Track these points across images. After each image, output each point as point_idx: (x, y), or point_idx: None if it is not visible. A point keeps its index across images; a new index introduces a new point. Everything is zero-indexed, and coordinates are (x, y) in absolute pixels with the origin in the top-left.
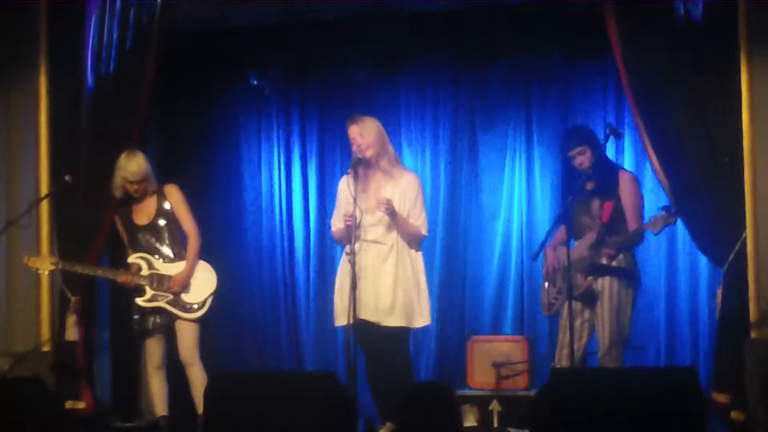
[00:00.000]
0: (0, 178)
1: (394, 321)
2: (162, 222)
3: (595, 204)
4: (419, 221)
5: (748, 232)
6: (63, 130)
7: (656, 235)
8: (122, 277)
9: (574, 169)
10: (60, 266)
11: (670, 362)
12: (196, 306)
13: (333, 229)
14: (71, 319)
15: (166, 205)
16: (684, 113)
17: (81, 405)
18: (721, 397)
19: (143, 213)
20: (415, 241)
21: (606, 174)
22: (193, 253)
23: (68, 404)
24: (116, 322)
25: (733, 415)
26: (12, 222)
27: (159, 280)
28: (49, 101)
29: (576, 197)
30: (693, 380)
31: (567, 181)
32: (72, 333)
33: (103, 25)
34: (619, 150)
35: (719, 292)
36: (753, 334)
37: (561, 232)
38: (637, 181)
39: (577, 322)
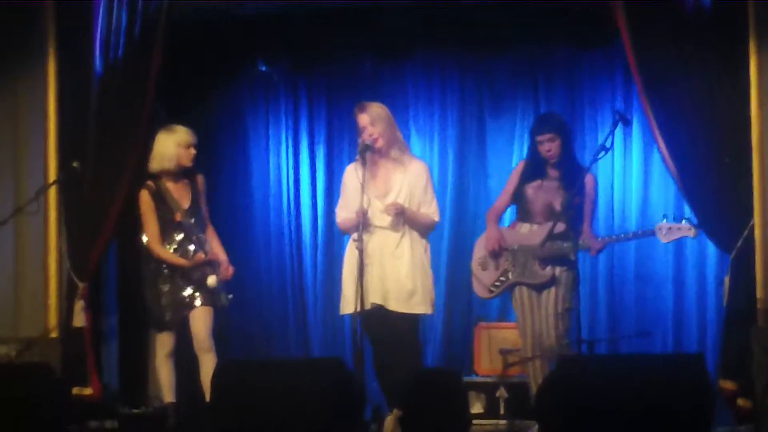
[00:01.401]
0: (8, 165)
1: (410, 307)
2: (196, 206)
3: (562, 195)
4: (431, 209)
5: (756, 219)
6: (71, 116)
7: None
8: (198, 257)
9: (538, 154)
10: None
11: (677, 349)
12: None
13: (338, 219)
14: (79, 305)
15: (198, 190)
16: (693, 101)
17: (88, 391)
18: (728, 385)
19: (182, 195)
20: (428, 229)
21: (574, 169)
22: (219, 243)
23: (75, 390)
24: (124, 309)
25: (740, 402)
26: (20, 208)
27: (218, 263)
28: (58, 87)
29: (539, 183)
30: (700, 367)
31: (530, 165)
32: (79, 319)
33: (112, 12)
34: (628, 137)
35: (727, 279)
36: (760, 322)
37: (500, 204)
38: (597, 185)
39: (534, 311)
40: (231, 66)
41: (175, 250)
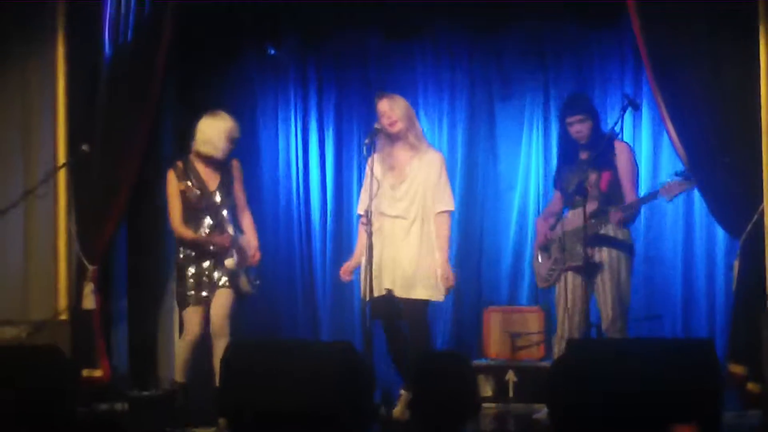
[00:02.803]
0: (17, 147)
1: (414, 293)
2: (224, 191)
3: (592, 174)
4: (445, 197)
5: (766, 204)
6: (80, 99)
7: (669, 201)
8: (218, 239)
9: (569, 136)
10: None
11: (687, 334)
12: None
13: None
14: (88, 288)
15: (230, 176)
16: (702, 84)
17: (98, 373)
18: (737, 369)
19: (211, 177)
20: (449, 222)
21: (603, 145)
22: (253, 229)
23: (85, 372)
24: (134, 291)
25: (749, 386)
26: (30, 191)
27: (240, 247)
28: (67, 70)
29: (573, 167)
30: (710, 352)
31: (562, 149)
32: (89, 301)
33: None
34: (637, 121)
35: (736, 263)
36: None
37: (555, 201)
38: (632, 151)
39: (577, 294)
40: (240, 48)
41: (204, 231)
